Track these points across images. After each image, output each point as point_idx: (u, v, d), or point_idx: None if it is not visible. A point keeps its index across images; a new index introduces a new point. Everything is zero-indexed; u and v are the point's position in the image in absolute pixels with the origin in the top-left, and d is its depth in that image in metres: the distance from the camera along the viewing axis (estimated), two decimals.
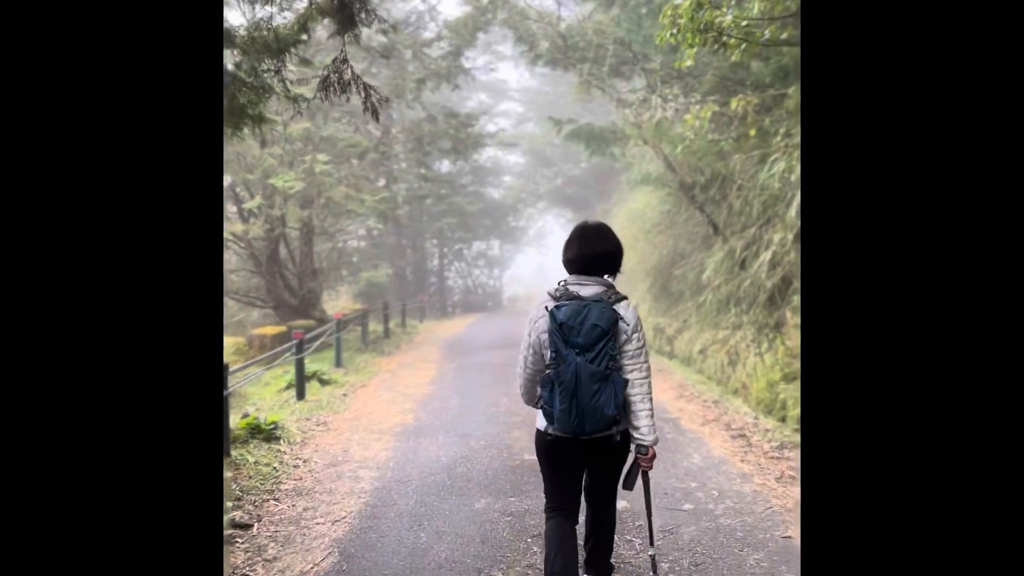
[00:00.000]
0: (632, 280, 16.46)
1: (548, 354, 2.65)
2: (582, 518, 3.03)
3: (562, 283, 2.76)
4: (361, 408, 7.92)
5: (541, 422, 2.81)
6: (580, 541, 3.01)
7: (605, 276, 2.78)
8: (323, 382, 9.27)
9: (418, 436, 6.46)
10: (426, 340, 14.69)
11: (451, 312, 28.86)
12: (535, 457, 3.00)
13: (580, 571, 2.90)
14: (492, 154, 38.93)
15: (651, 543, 3.05)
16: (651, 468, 2.81)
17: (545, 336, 2.68)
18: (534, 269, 67.06)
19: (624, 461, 2.85)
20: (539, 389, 2.71)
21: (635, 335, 2.66)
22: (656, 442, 2.73)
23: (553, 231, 38.10)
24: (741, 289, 9.02)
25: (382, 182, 19.25)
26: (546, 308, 2.65)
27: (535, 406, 2.83)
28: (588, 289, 2.69)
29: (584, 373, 2.50)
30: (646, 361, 2.70)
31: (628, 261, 5.39)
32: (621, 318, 2.60)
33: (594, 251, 2.75)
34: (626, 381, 2.60)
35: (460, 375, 10.19)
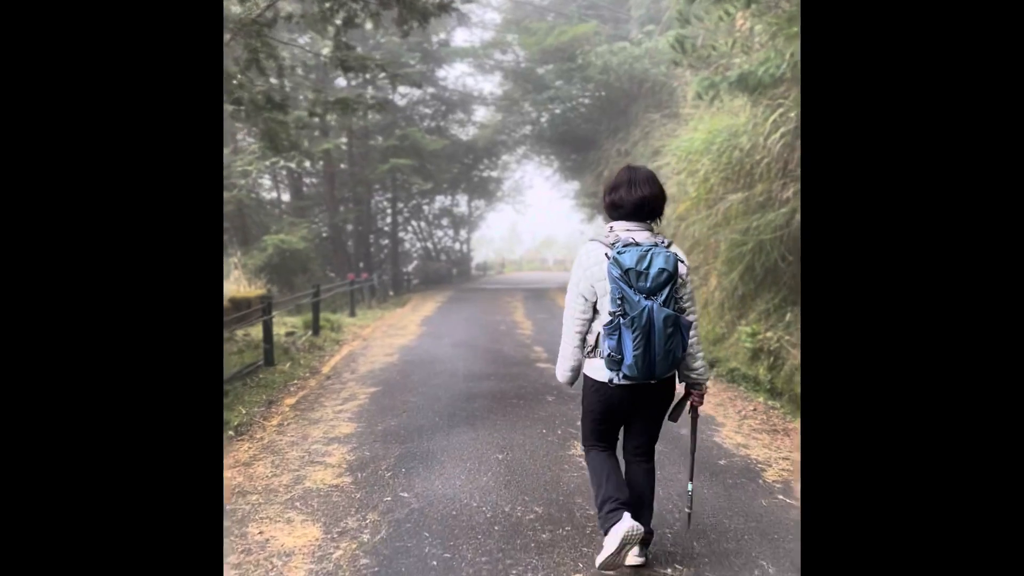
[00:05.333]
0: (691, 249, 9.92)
1: (607, 301, 2.60)
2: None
3: (611, 229, 2.72)
4: None
5: (601, 372, 2.69)
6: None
7: (648, 222, 2.72)
8: None
9: None
10: (341, 374, 7.11)
11: (405, 288, 21.78)
12: None
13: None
14: (460, 74, 31.40)
15: (691, 478, 3.00)
16: (701, 404, 2.90)
17: (602, 284, 2.62)
18: (507, 231, 59.65)
19: (671, 401, 2.83)
20: (591, 338, 2.70)
21: (689, 278, 2.71)
22: (708, 379, 2.86)
23: (534, 184, 30.70)
24: None
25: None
26: (606, 255, 2.60)
27: (571, 372, 2.80)
28: (641, 235, 2.66)
29: (658, 317, 2.49)
30: (696, 304, 2.77)
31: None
32: (682, 261, 2.63)
33: (642, 194, 2.67)
34: (689, 323, 2.61)
35: None
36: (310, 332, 9.73)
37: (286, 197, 20.30)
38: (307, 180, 21.68)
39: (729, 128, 9.69)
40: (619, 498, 2.71)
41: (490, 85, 25.55)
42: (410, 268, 27.64)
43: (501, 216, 37.85)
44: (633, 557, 2.84)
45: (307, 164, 17.38)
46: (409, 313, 13.61)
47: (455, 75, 38.48)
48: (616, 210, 2.71)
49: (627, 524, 2.61)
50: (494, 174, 29.39)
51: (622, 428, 2.88)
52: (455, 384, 6.51)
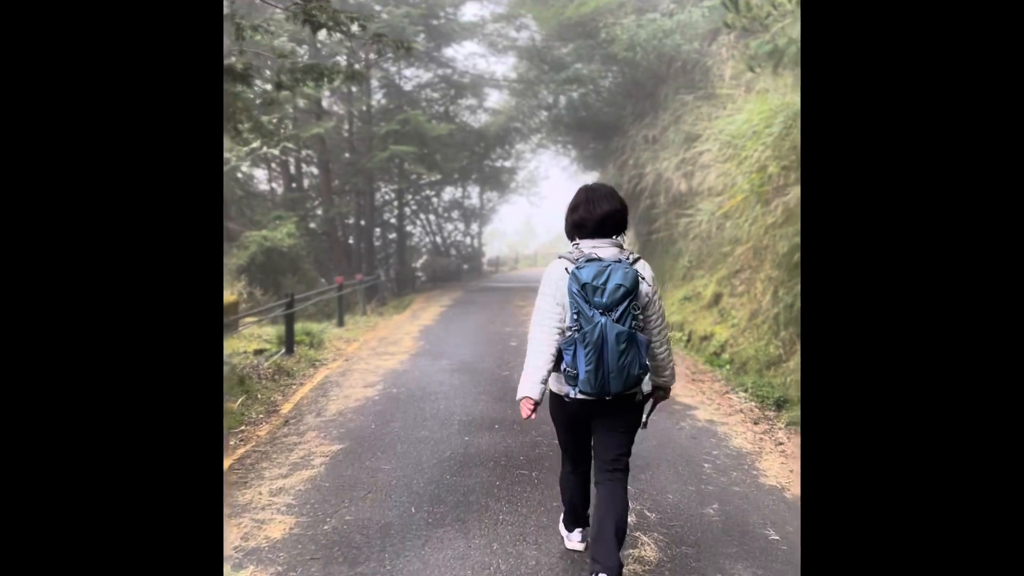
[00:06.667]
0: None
1: (569, 316, 2.59)
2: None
3: (576, 245, 2.72)
4: None
5: (559, 386, 2.75)
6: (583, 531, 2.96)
7: (614, 237, 2.72)
8: None
9: None
10: (303, 417, 5.58)
11: (411, 286, 20.14)
12: None
13: (590, 563, 2.71)
14: (469, 54, 29.45)
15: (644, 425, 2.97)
16: (664, 399, 2.95)
17: (564, 298, 2.62)
18: (520, 224, 58.09)
19: (640, 420, 2.84)
20: (553, 353, 2.65)
21: (655, 296, 2.68)
22: (673, 383, 2.90)
23: (550, 175, 28.99)
24: None
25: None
26: (566, 269, 2.62)
27: (542, 384, 2.66)
28: (605, 251, 2.65)
29: (611, 333, 2.48)
30: (665, 320, 2.75)
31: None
32: (643, 278, 2.61)
33: (603, 211, 2.67)
34: (649, 341, 2.61)
35: None
36: (284, 350, 8.12)
37: (276, 187, 18.72)
38: (306, 170, 20.09)
39: (792, 106, 7.96)
40: (578, 516, 3.12)
41: (503, 67, 23.79)
42: (419, 264, 26.06)
43: (515, 209, 36.20)
44: None
45: (301, 152, 15.79)
46: (407, 321, 11.96)
47: (465, 54, 36.64)
48: (580, 229, 2.73)
49: (574, 543, 3.15)
50: (507, 164, 27.65)
51: (593, 439, 2.89)
52: (447, 438, 4.87)
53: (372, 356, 8.36)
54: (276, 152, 11.91)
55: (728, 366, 7.85)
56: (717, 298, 10.68)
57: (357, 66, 7.67)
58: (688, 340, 10.05)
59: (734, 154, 8.99)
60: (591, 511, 3.03)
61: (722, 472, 4.29)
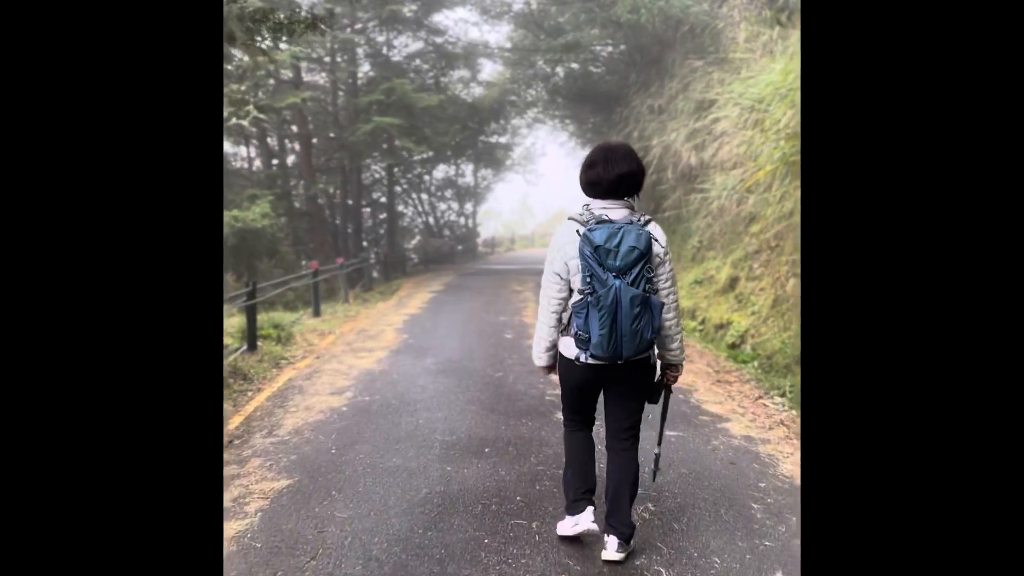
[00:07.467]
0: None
1: (578, 279, 2.57)
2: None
3: (586, 207, 2.67)
4: None
5: (570, 350, 2.69)
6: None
7: (626, 199, 2.66)
8: None
9: None
10: (251, 437, 4.58)
11: (402, 269, 19.03)
12: None
13: (603, 528, 2.84)
14: (459, 19, 28.13)
15: (659, 443, 3.07)
16: (675, 382, 2.91)
17: (575, 262, 2.59)
18: (517, 203, 56.84)
19: (652, 384, 2.82)
20: (564, 316, 2.68)
21: (667, 257, 2.63)
22: (683, 361, 2.85)
23: (547, 152, 27.93)
24: None
25: None
26: (577, 232, 2.57)
27: (548, 354, 2.79)
28: (616, 212, 2.61)
29: (625, 297, 2.46)
30: (675, 284, 2.71)
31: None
32: (656, 240, 2.57)
33: (619, 172, 2.60)
34: (663, 304, 2.57)
35: None
36: (245, 347, 7.09)
37: (256, 166, 17.52)
38: (291, 147, 18.88)
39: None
40: (583, 487, 2.87)
41: (497, 36, 22.51)
42: (411, 244, 24.99)
43: (511, 187, 35.03)
44: (613, 552, 2.76)
45: (284, 127, 14.60)
46: (392, 310, 10.91)
47: (455, 19, 35.22)
48: (594, 188, 2.66)
49: (584, 525, 2.84)
50: (502, 140, 26.44)
51: (604, 408, 2.88)
52: (424, 468, 3.86)
53: (347, 353, 7.32)
54: (246, 123, 10.78)
55: (754, 362, 6.85)
56: (733, 282, 9.64)
57: (317, 11, 6.56)
58: (703, 328, 9.04)
59: (758, 120, 7.94)
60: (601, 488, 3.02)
61: (778, 517, 3.29)
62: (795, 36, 8.26)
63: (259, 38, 5.92)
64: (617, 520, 2.76)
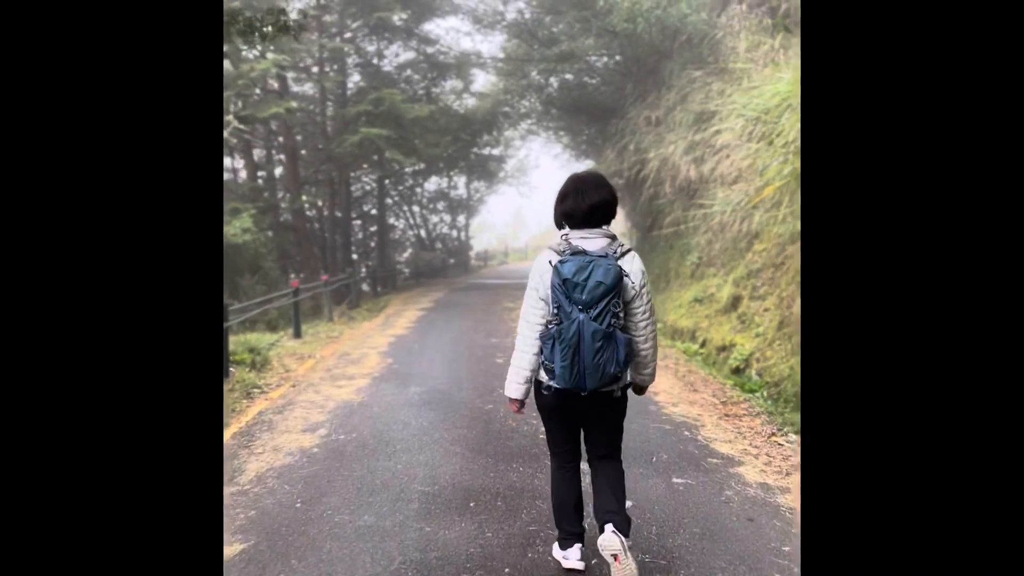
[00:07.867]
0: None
1: (550, 309, 2.58)
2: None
3: (564, 236, 2.67)
4: None
5: (541, 374, 2.71)
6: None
7: (603, 227, 2.69)
8: None
9: None
10: None
11: (392, 284, 18.51)
12: None
13: (602, 526, 2.74)
14: (450, 28, 27.78)
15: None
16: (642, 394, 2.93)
17: (548, 292, 2.60)
18: (510, 216, 56.54)
19: (623, 413, 2.83)
20: (536, 352, 2.67)
21: (643, 290, 2.63)
22: (651, 383, 2.87)
23: (541, 164, 27.68)
24: None
25: None
26: (550, 262, 2.58)
27: (525, 385, 2.73)
28: (593, 243, 2.62)
29: (587, 331, 2.46)
30: (653, 315, 2.70)
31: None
32: (627, 275, 2.56)
33: (591, 202, 2.62)
34: (629, 339, 2.57)
35: None
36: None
37: (240, 176, 17.02)
38: (278, 158, 18.39)
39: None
40: (569, 530, 2.86)
41: (490, 46, 22.14)
42: (403, 258, 24.51)
43: (504, 199, 34.65)
44: (609, 534, 2.64)
45: (270, 139, 14.12)
46: (377, 331, 10.41)
47: (447, 28, 34.96)
48: (569, 219, 2.68)
49: (571, 563, 2.84)
50: (496, 152, 26.03)
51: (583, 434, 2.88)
52: (399, 528, 3.36)
53: (325, 381, 6.82)
54: (226, 134, 10.32)
55: (763, 391, 6.39)
56: (735, 301, 9.20)
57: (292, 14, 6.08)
58: (703, 351, 8.58)
59: (764, 133, 7.53)
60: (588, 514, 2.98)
61: None
62: (795, 47, 7.87)
63: (226, 43, 5.45)
64: (609, 512, 2.75)
